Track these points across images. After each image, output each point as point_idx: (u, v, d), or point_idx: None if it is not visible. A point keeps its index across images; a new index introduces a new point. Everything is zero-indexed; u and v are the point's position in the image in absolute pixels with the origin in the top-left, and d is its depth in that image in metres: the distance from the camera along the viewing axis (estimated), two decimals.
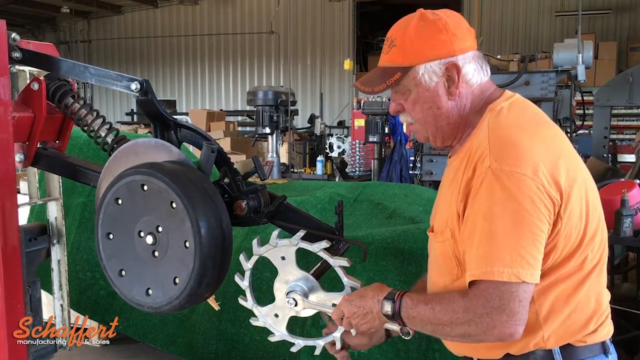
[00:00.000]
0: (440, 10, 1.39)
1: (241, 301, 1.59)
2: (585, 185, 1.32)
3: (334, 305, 1.48)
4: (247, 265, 1.54)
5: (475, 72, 1.37)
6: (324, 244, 1.43)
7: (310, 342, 1.58)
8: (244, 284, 1.56)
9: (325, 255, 1.44)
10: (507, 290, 1.21)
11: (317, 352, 1.57)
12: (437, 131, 1.41)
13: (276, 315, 1.56)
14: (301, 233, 1.44)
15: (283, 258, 1.48)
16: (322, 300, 1.48)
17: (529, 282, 1.22)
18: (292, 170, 7.98)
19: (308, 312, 1.51)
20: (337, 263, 1.44)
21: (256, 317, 1.59)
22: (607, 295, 1.40)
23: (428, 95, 1.37)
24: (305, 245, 1.44)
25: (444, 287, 1.38)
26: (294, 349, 1.60)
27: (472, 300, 1.24)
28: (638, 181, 3.48)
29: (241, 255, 1.54)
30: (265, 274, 2.02)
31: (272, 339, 1.60)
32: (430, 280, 1.48)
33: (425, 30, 1.35)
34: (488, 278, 1.21)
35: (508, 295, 1.21)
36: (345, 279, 1.45)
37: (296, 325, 1.55)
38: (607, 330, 1.37)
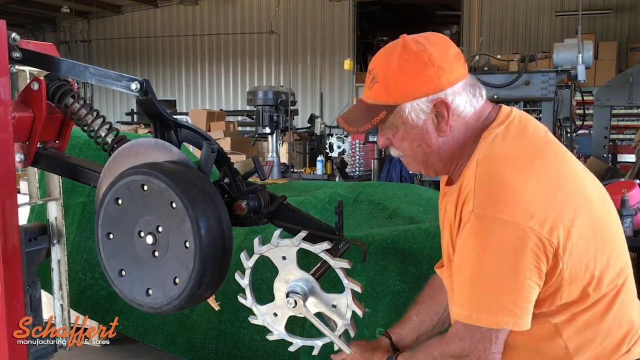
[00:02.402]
0: (424, 37, 1.29)
1: (241, 299, 1.59)
2: (591, 210, 1.23)
3: (333, 306, 1.48)
4: (248, 263, 1.54)
5: (467, 103, 1.29)
6: (325, 245, 1.43)
7: (308, 342, 1.58)
8: (244, 282, 1.57)
9: (326, 257, 1.44)
10: (486, 335, 1.22)
11: (315, 352, 1.57)
12: (428, 166, 1.37)
13: (275, 315, 1.56)
14: (303, 234, 1.44)
15: (284, 258, 1.48)
16: (322, 302, 1.48)
17: (508, 328, 1.21)
18: (292, 170, 7.98)
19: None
20: (338, 265, 1.44)
21: (255, 315, 1.60)
22: (638, 309, 1.34)
23: (416, 133, 1.30)
24: (306, 245, 1.44)
25: None
26: (291, 349, 1.60)
27: (451, 342, 1.28)
28: (638, 181, 3.48)
29: (242, 253, 1.54)
30: (265, 274, 2.02)
31: (270, 337, 1.61)
32: (451, 311, 1.49)
33: (408, 64, 1.25)
34: (469, 322, 1.22)
35: (487, 341, 1.22)
36: (345, 281, 1.45)
37: (296, 325, 1.55)
38: (638, 350, 1.31)
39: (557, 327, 1.25)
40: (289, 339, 1.59)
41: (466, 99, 1.28)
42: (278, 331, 1.58)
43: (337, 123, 1.44)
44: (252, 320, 1.61)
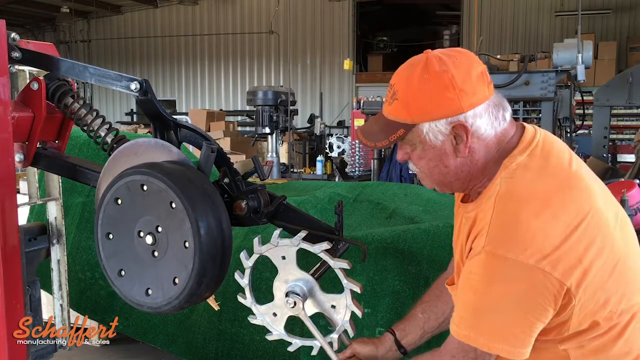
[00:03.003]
0: (449, 55, 1.26)
1: (240, 299, 1.59)
2: (612, 245, 1.21)
3: (333, 306, 1.48)
4: (248, 263, 1.54)
5: (489, 126, 1.25)
6: (325, 245, 1.43)
7: (307, 342, 1.58)
8: (244, 281, 1.57)
9: (325, 257, 1.44)
10: (479, 358, 1.23)
11: (315, 352, 1.57)
12: (444, 185, 1.35)
13: (274, 315, 1.56)
14: (302, 234, 1.44)
15: (283, 257, 1.48)
16: (321, 302, 1.48)
17: (504, 356, 1.21)
18: (291, 170, 7.99)
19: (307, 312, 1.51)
20: (338, 265, 1.44)
21: (254, 315, 1.60)
22: None
23: (434, 153, 1.28)
24: (306, 245, 1.44)
25: None
26: (291, 348, 1.60)
27: (444, 357, 1.30)
28: (638, 181, 3.48)
29: (242, 253, 1.54)
30: (265, 274, 2.02)
31: (269, 337, 1.61)
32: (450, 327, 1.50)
33: (429, 84, 1.23)
34: (466, 341, 1.23)
35: (473, 355, 1.23)
36: (345, 281, 1.45)
37: (295, 325, 1.55)
38: None
39: (567, 352, 1.25)
40: (288, 339, 1.59)
41: (487, 122, 1.25)
42: (277, 331, 1.58)
43: (357, 136, 1.41)
44: (252, 320, 1.61)
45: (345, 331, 1.51)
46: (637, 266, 1.27)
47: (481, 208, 1.26)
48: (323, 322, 1.56)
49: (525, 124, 1.33)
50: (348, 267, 1.43)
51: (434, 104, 1.23)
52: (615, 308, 1.22)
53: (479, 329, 1.21)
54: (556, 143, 1.31)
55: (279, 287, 1.51)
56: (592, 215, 1.20)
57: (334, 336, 1.52)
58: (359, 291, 1.44)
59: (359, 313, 1.47)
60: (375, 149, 1.38)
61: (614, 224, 1.25)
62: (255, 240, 1.50)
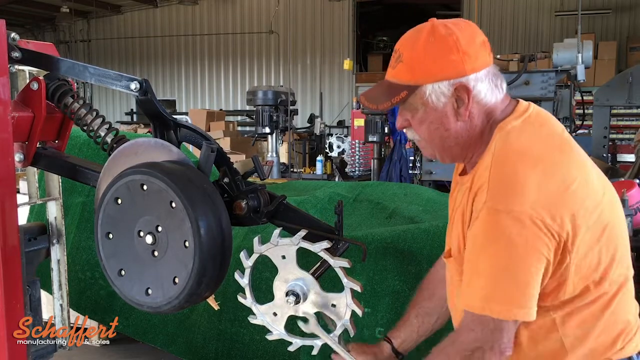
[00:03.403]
0: (454, 22, 1.30)
1: (240, 299, 1.59)
2: (600, 210, 1.25)
3: (333, 305, 1.48)
4: (248, 262, 1.54)
5: (489, 91, 1.29)
6: (325, 244, 1.43)
7: (307, 342, 1.58)
8: (244, 281, 1.56)
9: (325, 256, 1.44)
10: (498, 326, 1.22)
11: (315, 352, 1.57)
12: (444, 151, 1.37)
13: (275, 314, 1.56)
14: (302, 233, 1.44)
15: (283, 257, 1.48)
16: (321, 301, 1.48)
17: (519, 319, 1.22)
18: (291, 170, 7.99)
19: (307, 311, 1.51)
20: (338, 264, 1.44)
21: (254, 314, 1.60)
22: (635, 309, 1.36)
23: (436, 116, 1.30)
24: (306, 245, 1.44)
25: None
26: (291, 348, 1.60)
27: (462, 334, 1.27)
28: (638, 181, 3.48)
29: (242, 252, 1.54)
30: (264, 274, 2.02)
31: (270, 337, 1.61)
32: (452, 304, 1.49)
33: (434, 47, 1.26)
34: (482, 312, 1.22)
35: (498, 332, 1.22)
36: (345, 280, 1.45)
37: (295, 324, 1.55)
38: (634, 345, 1.32)
39: (555, 322, 1.27)
40: (288, 338, 1.59)
41: (488, 87, 1.29)
42: (278, 331, 1.58)
43: (359, 100, 1.42)
44: (252, 320, 1.61)
45: (345, 330, 1.51)
46: (624, 239, 1.31)
47: (480, 167, 1.28)
48: (322, 322, 1.56)
49: (519, 99, 1.37)
50: (348, 266, 1.43)
51: (438, 66, 1.26)
52: (606, 274, 1.25)
53: (494, 298, 1.21)
54: (551, 117, 1.35)
55: (279, 287, 1.51)
56: (581, 181, 1.23)
57: (335, 336, 1.52)
58: (359, 290, 1.44)
59: (359, 312, 1.47)
60: (377, 110, 1.43)
61: (602, 194, 1.28)
62: (255, 240, 1.50)
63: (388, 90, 1.32)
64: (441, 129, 1.32)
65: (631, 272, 1.34)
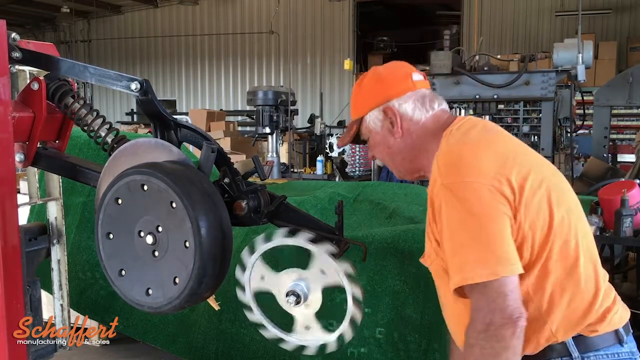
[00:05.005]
0: (385, 65, 1.63)
1: (238, 273, 1.59)
2: (543, 174, 1.38)
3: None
4: (250, 260, 1.54)
5: (416, 110, 1.53)
6: (333, 249, 1.46)
7: (304, 342, 1.58)
8: (247, 297, 1.57)
9: (344, 279, 1.45)
10: (495, 291, 1.26)
11: (288, 347, 1.58)
12: (399, 166, 1.59)
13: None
14: (309, 235, 1.45)
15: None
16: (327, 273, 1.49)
17: (509, 275, 1.26)
18: (292, 170, 7.98)
19: (306, 312, 1.51)
20: (352, 290, 1.45)
21: (252, 312, 1.60)
22: (604, 278, 1.41)
23: (379, 138, 1.56)
24: (309, 245, 1.45)
25: (454, 303, 1.41)
26: (285, 346, 1.60)
27: (474, 323, 1.28)
28: (638, 181, 3.48)
29: (259, 237, 1.54)
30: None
31: (266, 334, 1.60)
32: (443, 305, 1.53)
33: (366, 86, 1.58)
34: (467, 283, 1.28)
35: (500, 297, 1.25)
36: (343, 277, 1.45)
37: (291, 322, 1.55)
38: (618, 317, 1.38)
39: (529, 292, 1.34)
40: (285, 337, 1.59)
41: (413, 107, 1.53)
42: (276, 329, 1.58)
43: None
44: (250, 316, 1.61)
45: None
46: (574, 205, 1.42)
47: (432, 170, 1.42)
48: (324, 322, 1.56)
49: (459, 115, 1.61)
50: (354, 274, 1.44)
51: (369, 98, 1.57)
52: (560, 235, 1.34)
53: (479, 264, 1.27)
54: (487, 122, 1.56)
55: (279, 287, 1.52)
56: (521, 152, 1.41)
57: (333, 336, 1.52)
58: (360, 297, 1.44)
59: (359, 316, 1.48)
60: (343, 146, 1.79)
61: (545, 166, 1.43)
62: (260, 238, 1.50)
63: (347, 128, 1.65)
64: (387, 149, 1.57)
65: (588, 242, 1.41)
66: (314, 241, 1.47)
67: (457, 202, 1.30)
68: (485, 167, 1.32)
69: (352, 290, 1.45)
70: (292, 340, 1.58)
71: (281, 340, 1.59)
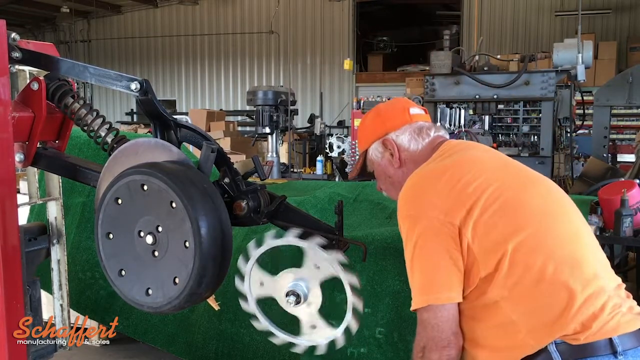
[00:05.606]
0: (387, 102, 1.79)
1: (238, 283, 1.58)
2: (500, 192, 1.42)
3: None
4: (247, 268, 1.54)
5: (412, 140, 1.65)
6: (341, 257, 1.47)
7: (312, 342, 1.57)
8: (250, 308, 1.57)
9: (338, 268, 1.46)
10: (427, 319, 1.38)
11: (299, 350, 1.58)
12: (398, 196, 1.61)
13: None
14: (297, 231, 1.45)
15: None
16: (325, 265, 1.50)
17: (444, 302, 1.37)
18: (292, 170, 7.98)
19: (309, 310, 1.52)
20: (348, 279, 1.46)
21: (258, 321, 1.59)
22: (591, 285, 1.36)
23: (381, 169, 1.70)
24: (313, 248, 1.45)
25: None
26: (297, 350, 1.60)
27: (414, 347, 1.43)
28: (638, 181, 3.48)
29: (250, 243, 1.54)
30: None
31: (275, 340, 1.60)
32: None
33: (369, 119, 1.74)
34: (416, 307, 1.40)
35: (429, 321, 1.38)
36: (342, 273, 1.45)
37: (296, 325, 1.55)
38: (612, 325, 1.32)
39: (500, 305, 1.38)
40: (283, 336, 1.58)
41: (409, 138, 1.65)
42: (276, 329, 1.58)
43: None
44: (275, 341, 1.61)
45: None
46: (537, 218, 1.42)
47: None
48: (328, 319, 1.56)
49: (451, 140, 1.66)
50: (358, 286, 1.45)
51: (370, 132, 1.72)
52: (517, 251, 1.36)
53: (422, 290, 1.39)
54: (469, 148, 1.62)
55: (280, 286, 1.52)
56: (473, 173, 1.44)
57: (341, 329, 1.52)
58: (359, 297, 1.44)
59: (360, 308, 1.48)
60: (352, 179, 1.90)
61: (512, 182, 1.48)
62: (267, 235, 1.50)
63: (355, 161, 1.85)
64: (388, 178, 1.70)
65: (572, 247, 1.41)
66: (303, 237, 1.47)
67: (407, 233, 1.43)
68: (431, 198, 1.42)
69: (348, 279, 1.45)
70: (302, 343, 1.57)
71: (292, 344, 1.58)
